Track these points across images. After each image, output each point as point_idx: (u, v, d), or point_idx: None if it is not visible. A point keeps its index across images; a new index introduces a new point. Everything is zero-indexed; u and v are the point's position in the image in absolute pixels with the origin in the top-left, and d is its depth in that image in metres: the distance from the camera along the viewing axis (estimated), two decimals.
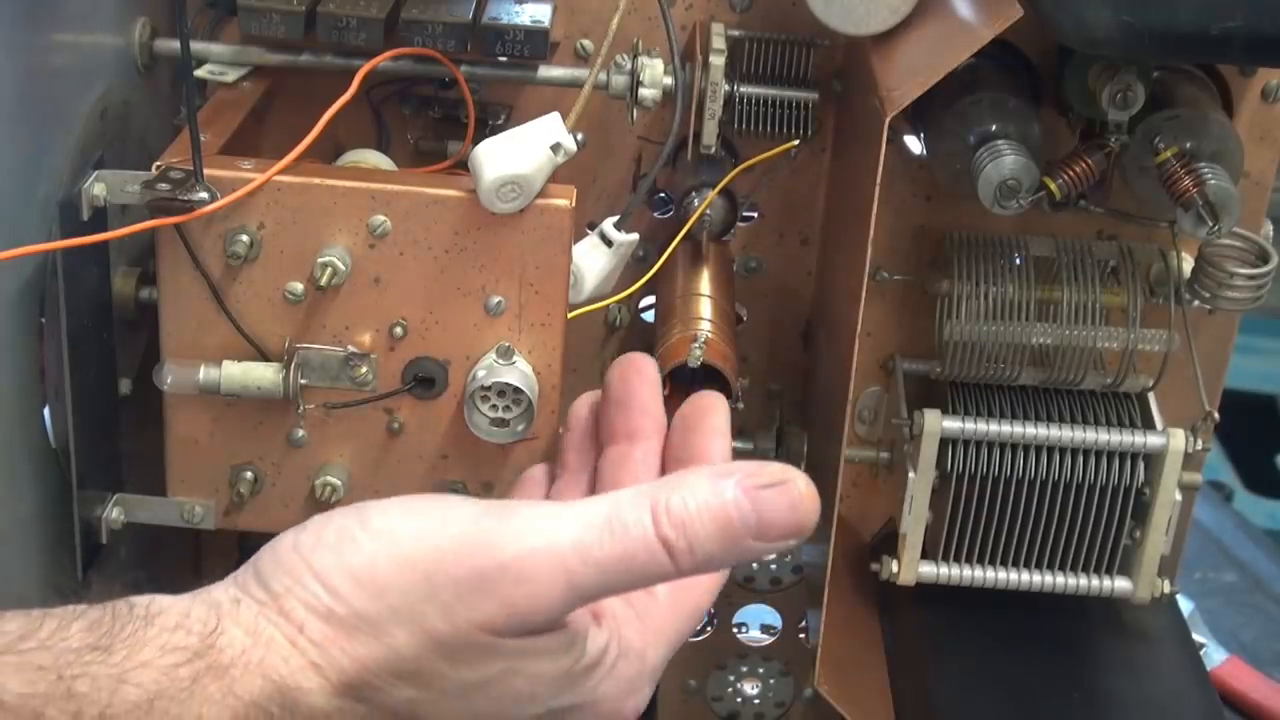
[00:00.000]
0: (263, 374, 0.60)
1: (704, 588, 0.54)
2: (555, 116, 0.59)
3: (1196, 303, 0.68)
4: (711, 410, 0.58)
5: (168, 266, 0.60)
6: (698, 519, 0.46)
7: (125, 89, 0.65)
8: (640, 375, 0.58)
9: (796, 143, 0.68)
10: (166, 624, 0.45)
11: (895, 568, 0.68)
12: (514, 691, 0.48)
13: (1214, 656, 0.93)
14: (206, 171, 0.58)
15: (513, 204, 0.58)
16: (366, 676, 0.46)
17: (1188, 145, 0.62)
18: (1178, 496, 0.66)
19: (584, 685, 0.49)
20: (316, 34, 0.63)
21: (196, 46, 0.65)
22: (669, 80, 0.65)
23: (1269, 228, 0.70)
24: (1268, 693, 0.92)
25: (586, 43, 0.71)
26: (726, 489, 0.46)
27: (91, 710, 0.43)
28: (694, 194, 0.71)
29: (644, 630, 0.52)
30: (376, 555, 0.46)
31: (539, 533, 0.46)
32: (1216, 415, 0.69)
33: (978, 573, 0.68)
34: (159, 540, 0.70)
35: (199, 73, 0.66)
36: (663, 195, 0.75)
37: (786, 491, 0.46)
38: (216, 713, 0.44)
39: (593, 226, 0.64)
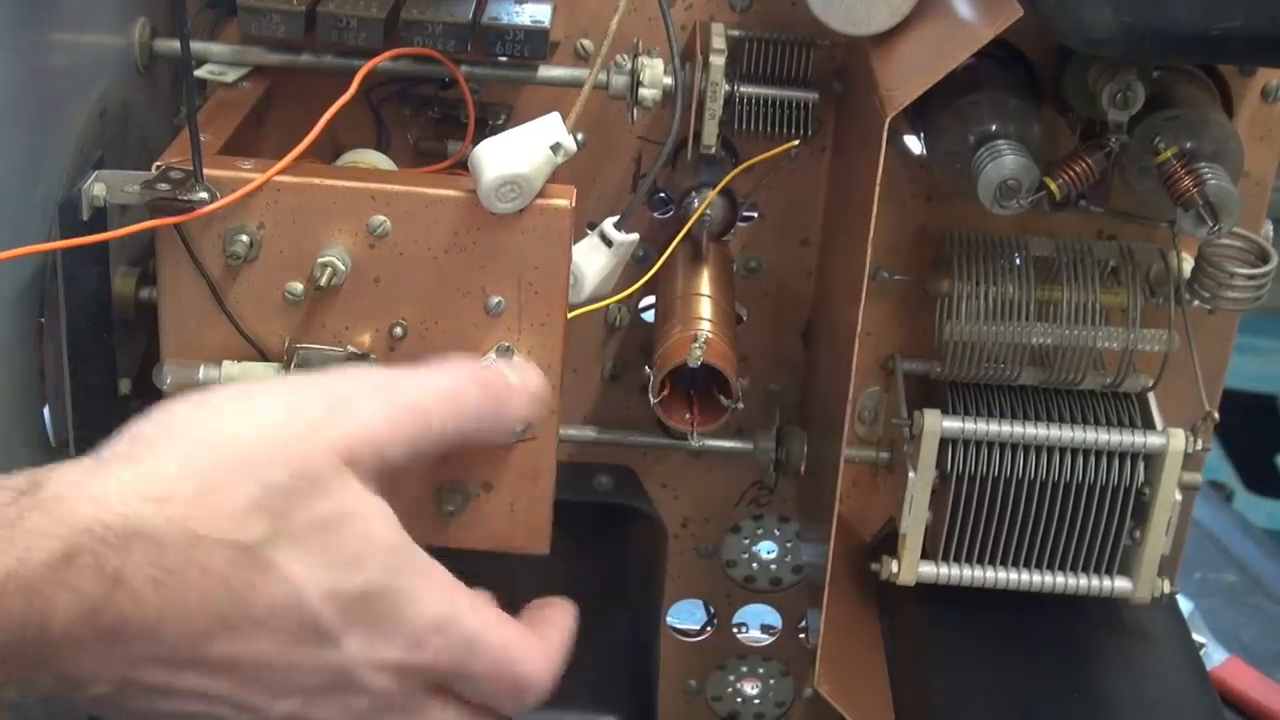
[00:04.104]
0: (262, 374, 0.60)
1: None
2: (555, 116, 0.59)
3: (1196, 303, 0.68)
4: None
5: (167, 266, 0.60)
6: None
7: (125, 89, 0.65)
8: None
9: (796, 143, 0.68)
10: (4, 481, 0.45)
11: (895, 568, 0.68)
12: (353, 547, 0.48)
13: (1214, 656, 0.93)
14: (206, 171, 0.58)
15: (512, 204, 0.58)
16: (210, 508, 0.46)
17: (1188, 145, 0.62)
18: (1178, 496, 0.66)
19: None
20: (316, 34, 0.63)
21: (196, 46, 0.65)
22: (669, 80, 0.65)
23: (1269, 228, 0.70)
24: (1268, 693, 0.92)
25: (586, 43, 0.71)
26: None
27: None
28: (694, 194, 0.71)
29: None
30: (224, 408, 0.49)
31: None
32: (1216, 415, 0.69)
33: (978, 573, 0.68)
34: None
35: (199, 73, 0.66)
36: (663, 195, 0.75)
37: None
38: (46, 545, 0.43)
39: (593, 226, 0.64)
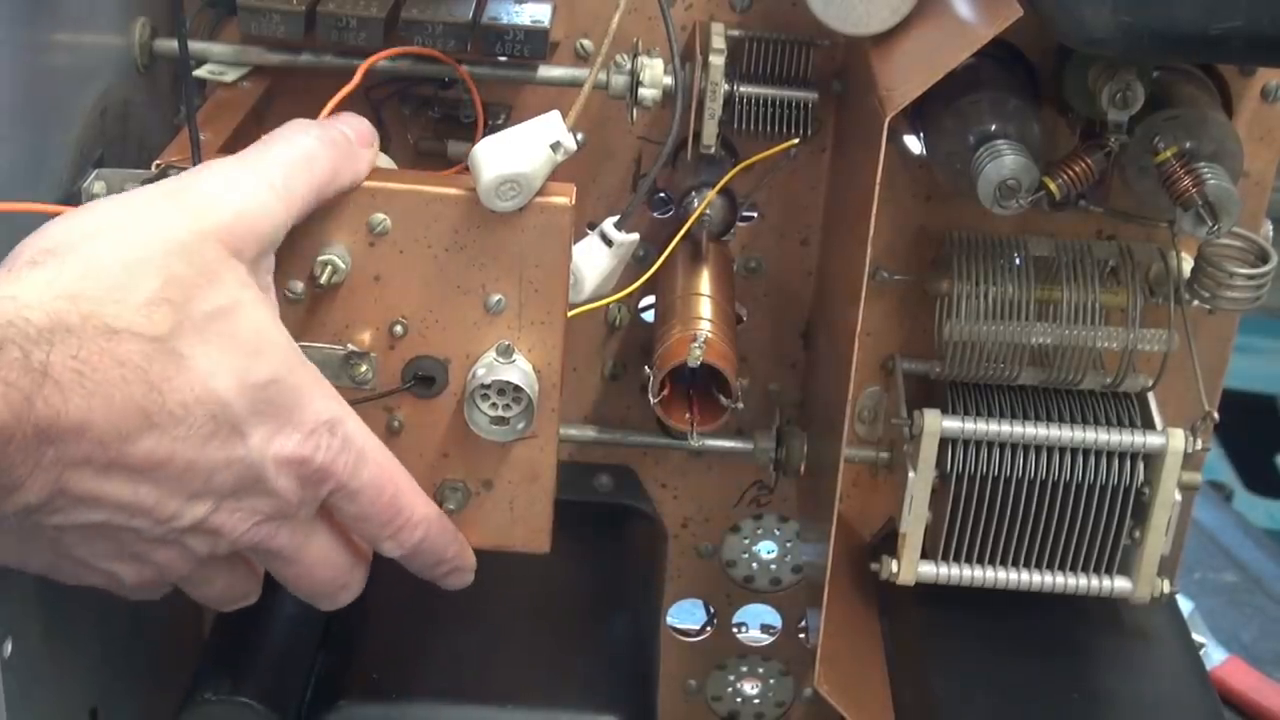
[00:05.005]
0: None
1: None
2: (555, 115, 0.59)
3: (1196, 303, 0.68)
4: None
5: None
6: None
7: (125, 89, 0.65)
8: None
9: (796, 142, 0.68)
10: None
11: (895, 568, 0.68)
12: (251, 339, 0.52)
13: (1214, 656, 0.93)
14: None
15: (512, 202, 0.58)
16: (118, 303, 0.49)
17: (1188, 145, 0.62)
18: (1178, 496, 0.66)
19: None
20: (316, 34, 0.63)
21: (196, 46, 0.65)
22: (669, 80, 0.65)
23: (1269, 228, 0.70)
24: (1268, 693, 0.92)
25: (586, 43, 0.71)
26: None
27: None
28: (694, 194, 0.71)
29: None
30: (111, 214, 0.52)
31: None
32: (1216, 415, 0.69)
33: (978, 573, 0.68)
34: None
35: (199, 73, 0.66)
36: (663, 195, 0.75)
37: None
38: None
39: (593, 226, 0.64)
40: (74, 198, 0.58)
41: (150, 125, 0.68)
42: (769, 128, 0.68)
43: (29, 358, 0.46)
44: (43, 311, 0.47)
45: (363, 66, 0.61)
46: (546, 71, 0.66)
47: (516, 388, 0.60)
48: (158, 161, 0.59)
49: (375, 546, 0.59)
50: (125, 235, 0.51)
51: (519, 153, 0.58)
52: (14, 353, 0.46)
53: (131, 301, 0.49)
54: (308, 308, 0.60)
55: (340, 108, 0.60)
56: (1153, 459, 0.66)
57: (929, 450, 0.66)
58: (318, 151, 0.57)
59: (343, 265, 0.59)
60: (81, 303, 0.48)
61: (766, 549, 0.83)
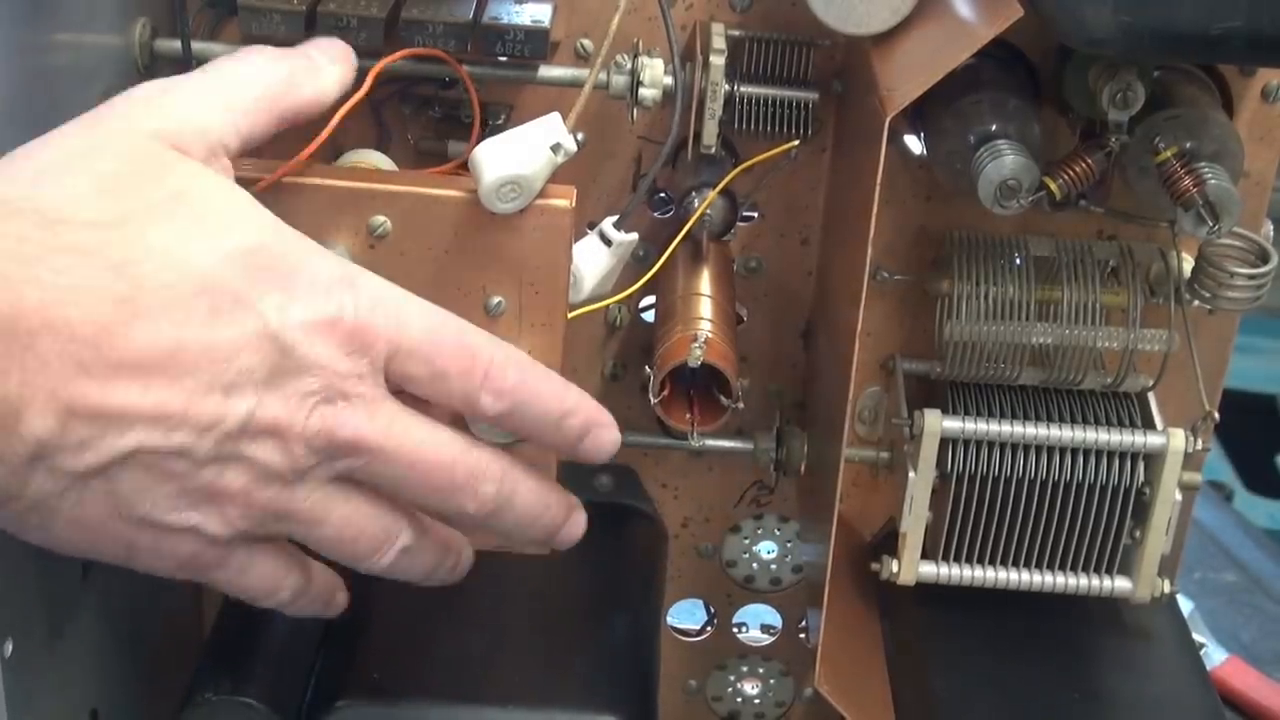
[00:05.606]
0: None
1: None
2: (555, 116, 0.59)
3: (1196, 303, 0.68)
4: None
5: None
6: None
7: (125, 89, 0.65)
8: None
9: (796, 143, 0.68)
10: None
11: (895, 568, 0.68)
12: (221, 213, 0.48)
13: (1214, 656, 0.93)
14: None
15: (513, 204, 0.58)
16: (54, 193, 0.45)
17: (1188, 145, 0.62)
18: (1178, 496, 0.66)
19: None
20: (317, 34, 0.63)
21: (197, 46, 0.65)
22: (669, 80, 0.65)
23: (1269, 228, 0.70)
24: (1268, 693, 0.92)
25: (586, 43, 0.71)
26: None
27: None
28: (694, 194, 0.71)
29: None
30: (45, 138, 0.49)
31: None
32: (1216, 415, 0.69)
33: (978, 573, 0.68)
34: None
35: None
36: (663, 195, 0.75)
37: None
38: None
39: (593, 226, 0.64)
40: None
41: None
42: (769, 128, 0.68)
43: None
44: None
45: (372, 73, 0.61)
46: (547, 71, 0.67)
47: None
48: None
49: (474, 409, 0.52)
50: (65, 144, 0.48)
51: (520, 154, 0.58)
52: None
53: (68, 192, 0.45)
54: None
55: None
56: (1153, 459, 0.66)
57: (929, 450, 0.66)
58: (265, 61, 0.55)
59: None
60: (16, 199, 0.44)
61: (767, 549, 0.83)
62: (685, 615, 0.86)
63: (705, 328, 0.67)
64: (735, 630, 0.85)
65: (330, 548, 0.52)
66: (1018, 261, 0.67)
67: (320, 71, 0.56)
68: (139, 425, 0.45)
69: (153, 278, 0.45)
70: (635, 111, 0.65)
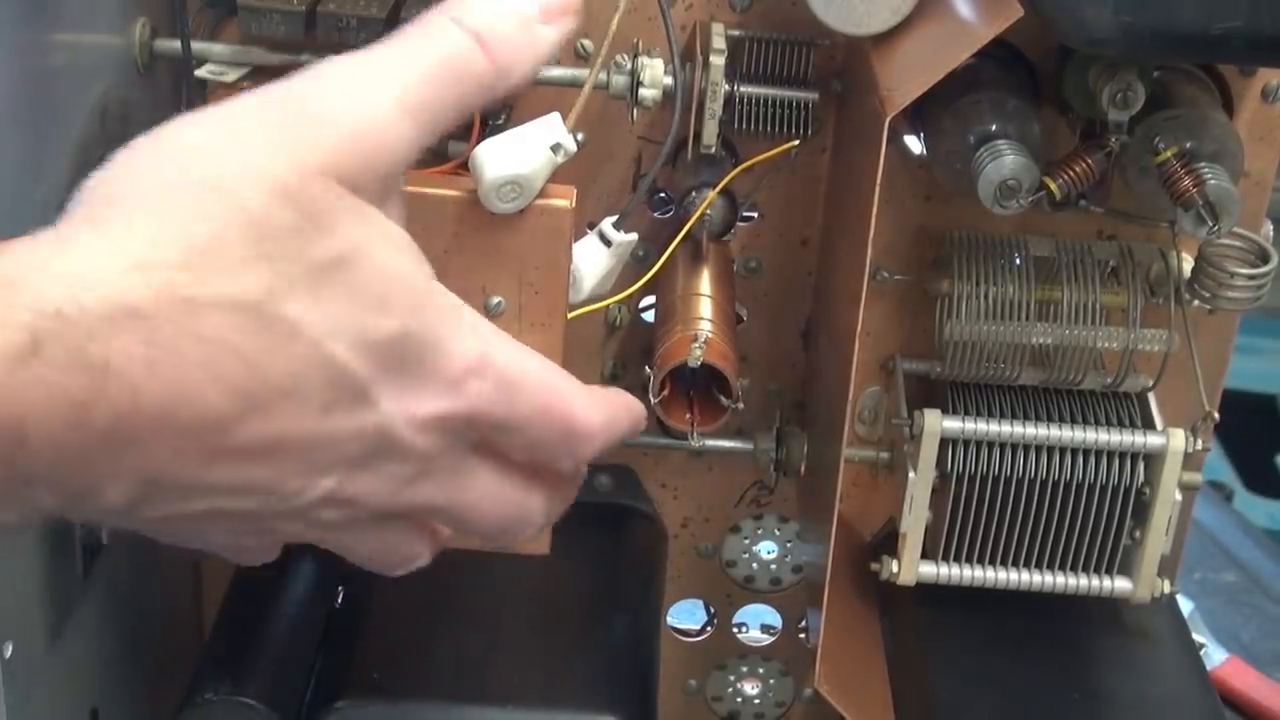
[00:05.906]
0: None
1: None
2: (555, 116, 0.59)
3: (1196, 303, 0.68)
4: None
5: None
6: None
7: (125, 89, 0.65)
8: None
9: (796, 143, 0.68)
10: None
11: (895, 568, 0.68)
12: (374, 287, 0.43)
13: (1214, 656, 0.93)
14: None
15: (513, 204, 0.58)
16: (201, 267, 0.40)
17: (1188, 145, 0.62)
18: (1178, 496, 0.66)
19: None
20: (317, 34, 0.63)
21: (197, 47, 0.65)
22: (669, 80, 0.65)
23: (1269, 228, 0.70)
24: (1268, 693, 0.92)
25: (586, 43, 0.71)
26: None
27: None
28: (694, 194, 0.71)
29: None
30: (188, 141, 0.43)
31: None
32: (1216, 415, 0.69)
33: (978, 573, 0.68)
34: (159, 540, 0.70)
35: (199, 73, 0.66)
36: (663, 195, 0.75)
37: None
38: (6, 338, 0.37)
39: (593, 226, 0.64)
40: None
41: (150, 125, 0.67)
42: (769, 128, 0.68)
43: (82, 354, 0.38)
44: (101, 294, 0.38)
45: None
46: (546, 71, 0.66)
47: None
48: None
49: (552, 466, 0.50)
50: (207, 171, 0.42)
51: (520, 154, 0.58)
52: (58, 350, 0.37)
53: (218, 264, 0.40)
54: None
55: None
56: (1153, 459, 0.66)
57: (929, 450, 0.66)
58: (471, 48, 0.46)
59: None
60: (152, 274, 0.39)
61: (767, 549, 0.83)
62: (685, 615, 0.86)
63: (705, 328, 0.67)
64: (735, 630, 0.85)
65: (364, 562, 0.51)
66: (1018, 261, 0.67)
67: (537, 40, 0.48)
68: (219, 496, 0.43)
69: (279, 364, 0.41)
70: (635, 111, 0.65)
